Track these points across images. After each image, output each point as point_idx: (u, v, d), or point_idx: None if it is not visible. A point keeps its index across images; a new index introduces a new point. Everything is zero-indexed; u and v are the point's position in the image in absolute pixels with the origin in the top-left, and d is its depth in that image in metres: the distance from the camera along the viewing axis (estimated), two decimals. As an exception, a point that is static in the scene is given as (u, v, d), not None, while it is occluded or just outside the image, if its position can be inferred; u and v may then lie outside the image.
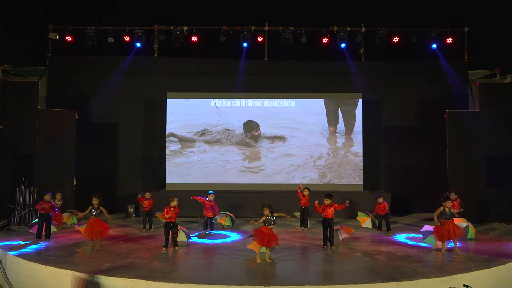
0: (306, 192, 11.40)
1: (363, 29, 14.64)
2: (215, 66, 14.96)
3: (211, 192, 11.28)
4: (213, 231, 10.94)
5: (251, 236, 8.36)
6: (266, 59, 14.87)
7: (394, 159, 14.74)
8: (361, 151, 14.36)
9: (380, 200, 11.25)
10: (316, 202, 9.79)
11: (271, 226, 8.17)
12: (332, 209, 9.33)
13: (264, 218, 8.16)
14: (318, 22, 14.76)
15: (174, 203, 9.00)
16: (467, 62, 14.66)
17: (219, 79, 14.82)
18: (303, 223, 11.49)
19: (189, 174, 14.37)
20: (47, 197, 10.15)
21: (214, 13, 15.20)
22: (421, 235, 9.56)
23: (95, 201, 9.35)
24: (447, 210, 8.75)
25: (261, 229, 8.17)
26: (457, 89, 14.53)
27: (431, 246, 9.15)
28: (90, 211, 9.37)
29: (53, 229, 10.41)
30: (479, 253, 8.76)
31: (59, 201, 11.10)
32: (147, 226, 11.39)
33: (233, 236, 10.59)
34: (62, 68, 14.59)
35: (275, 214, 8.26)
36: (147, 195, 11.37)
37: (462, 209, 10.41)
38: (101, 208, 9.39)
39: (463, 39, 14.61)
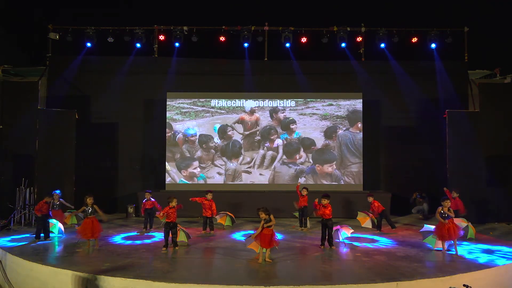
0: (304, 192, 11.38)
1: (363, 29, 14.64)
2: (215, 66, 14.95)
3: (210, 191, 11.29)
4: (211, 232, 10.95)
5: (251, 236, 8.37)
6: (266, 59, 14.87)
7: (394, 159, 14.72)
8: (361, 151, 14.37)
9: (370, 199, 11.27)
10: (316, 200, 9.67)
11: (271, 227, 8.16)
12: (329, 209, 9.28)
13: (262, 222, 8.15)
14: (318, 22, 14.76)
15: (173, 203, 9.02)
16: (467, 62, 14.65)
17: (219, 79, 14.83)
18: (303, 223, 11.49)
19: (189, 174, 14.41)
20: (47, 198, 10.15)
21: (214, 13, 15.20)
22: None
23: (89, 200, 9.34)
24: (446, 209, 8.74)
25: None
26: (457, 89, 14.53)
27: (431, 246, 9.15)
28: (84, 210, 9.36)
29: (61, 226, 10.49)
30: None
31: (58, 201, 11.13)
32: (148, 226, 11.39)
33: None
34: (62, 68, 14.57)
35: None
36: (147, 195, 11.37)
37: (464, 213, 10.19)
38: (95, 206, 9.36)
39: (463, 39, 14.61)
